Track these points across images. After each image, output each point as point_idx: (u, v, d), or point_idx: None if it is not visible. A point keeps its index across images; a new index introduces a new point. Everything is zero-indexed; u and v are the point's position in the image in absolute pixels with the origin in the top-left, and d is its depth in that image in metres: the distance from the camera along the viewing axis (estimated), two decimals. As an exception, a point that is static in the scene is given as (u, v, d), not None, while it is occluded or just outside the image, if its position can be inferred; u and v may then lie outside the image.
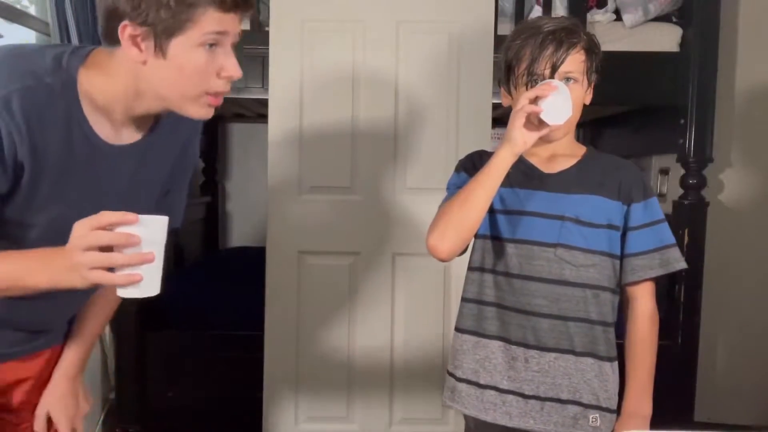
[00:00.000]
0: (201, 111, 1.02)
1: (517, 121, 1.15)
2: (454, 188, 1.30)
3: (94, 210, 1.04)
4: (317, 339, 2.19)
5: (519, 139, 1.15)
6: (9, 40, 2.09)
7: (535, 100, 1.14)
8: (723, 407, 2.55)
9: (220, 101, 1.03)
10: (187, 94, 0.99)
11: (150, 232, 0.90)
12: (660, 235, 1.26)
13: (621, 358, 1.29)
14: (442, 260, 1.25)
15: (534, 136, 1.16)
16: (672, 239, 1.27)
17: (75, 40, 2.12)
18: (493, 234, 1.28)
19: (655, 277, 1.26)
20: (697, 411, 2.33)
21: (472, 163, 1.32)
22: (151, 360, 2.36)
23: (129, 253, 0.89)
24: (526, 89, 1.19)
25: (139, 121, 1.07)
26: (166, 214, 1.26)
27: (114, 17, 0.95)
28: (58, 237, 1.03)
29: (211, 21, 0.95)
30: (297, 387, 2.20)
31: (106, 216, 0.89)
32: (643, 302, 1.28)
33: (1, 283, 0.95)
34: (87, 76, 1.00)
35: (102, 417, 2.32)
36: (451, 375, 1.34)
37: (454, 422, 2.18)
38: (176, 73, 0.97)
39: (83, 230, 0.89)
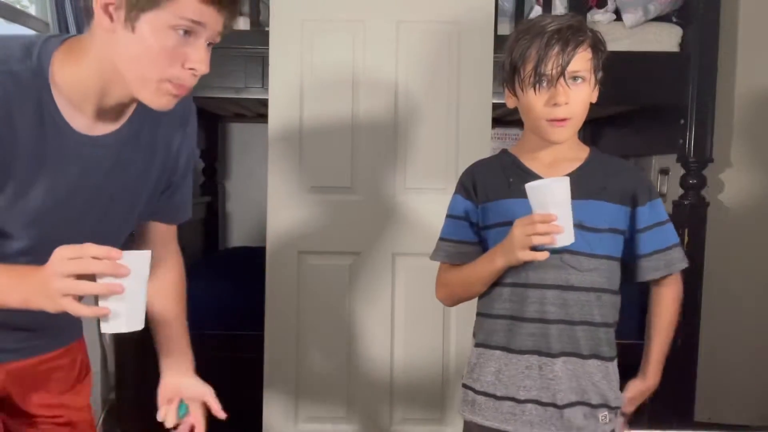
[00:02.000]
0: (159, 99, 0.97)
1: (520, 255, 1.15)
2: (451, 217, 1.34)
3: (69, 203, 1.03)
4: (317, 339, 2.19)
5: (521, 260, 1.17)
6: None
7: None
8: (723, 407, 2.55)
9: (182, 92, 0.98)
10: (146, 76, 0.95)
11: (132, 267, 0.89)
12: (665, 236, 1.28)
13: (619, 358, 1.31)
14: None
15: (536, 254, 1.16)
16: (676, 238, 1.30)
17: (75, 40, 2.12)
18: None
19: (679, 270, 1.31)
20: (697, 411, 2.33)
21: (464, 188, 1.33)
22: (151, 360, 2.33)
23: (102, 283, 0.87)
24: (534, 90, 1.19)
25: (114, 112, 1.03)
26: (170, 213, 1.24)
27: None
28: (37, 233, 1.02)
29: (189, 6, 0.92)
30: (297, 387, 2.20)
31: (92, 248, 0.87)
32: (668, 288, 1.31)
33: None
34: (60, 65, 0.97)
35: (102, 417, 2.32)
36: (469, 388, 1.34)
37: (453, 423, 2.18)
38: (140, 50, 0.93)
39: (62, 256, 0.87)
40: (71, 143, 1.00)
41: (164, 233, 1.28)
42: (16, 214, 1.00)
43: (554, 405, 1.25)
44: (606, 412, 1.27)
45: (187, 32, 0.94)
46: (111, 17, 0.93)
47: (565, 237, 1.13)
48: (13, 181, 0.97)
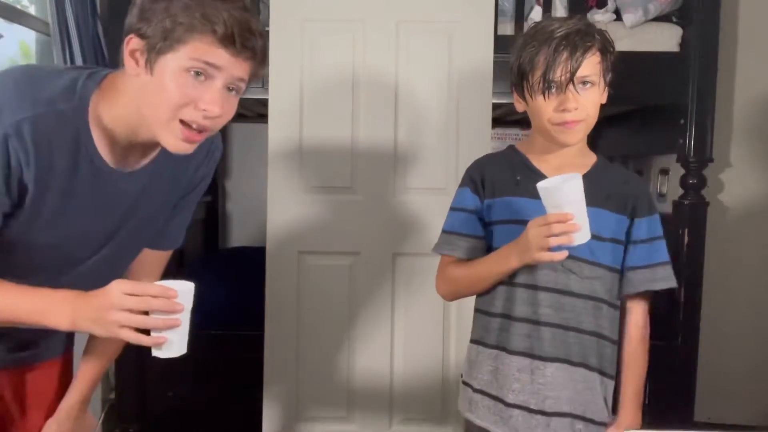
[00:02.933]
0: (174, 142, 0.99)
1: (536, 255, 1.14)
2: (456, 210, 1.31)
3: (97, 233, 1.08)
4: (317, 339, 2.19)
5: (538, 260, 1.16)
6: (9, 40, 2.09)
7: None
8: (723, 407, 2.55)
9: (196, 138, 1.00)
10: (161, 117, 0.97)
11: (181, 300, 0.96)
12: (656, 253, 1.27)
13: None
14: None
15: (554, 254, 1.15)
16: (667, 257, 1.28)
17: (75, 40, 2.12)
18: (502, 246, 1.26)
19: (647, 292, 1.28)
20: (697, 411, 2.33)
21: (472, 181, 1.31)
22: (150, 360, 2.34)
23: (160, 317, 0.95)
24: (544, 97, 1.18)
25: (144, 148, 1.07)
26: (163, 238, 1.25)
27: (127, 32, 0.97)
28: (59, 257, 1.06)
29: (202, 48, 0.94)
30: (297, 387, 2.20)
31: (151, 288, 0.94)
32: (636, 316, 1.30)
33: (19, 316, 0.98)
34: (98, 101, 1.01)
35: (102, 417, 2.32)
36: (468, 385, 1.34)
37: (453, 423, 2.18)
38: (157, 92, 0.96)
39: (121, 291, 0.93)
40: (102, 176, 1.04)
41: (153, 261, 1.27)
42: (42, 238, 1.03)
43: (542, 412, 1.24)
44: (580, 426, 1.25)
45: (201, 74, 0.96)
46: (137, 62, 0.96)
47: (582, 234, 1.11)
48: (44, 210, 1.01)
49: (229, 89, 1.00)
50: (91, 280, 1.00)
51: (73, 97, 0.98)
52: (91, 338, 1.26)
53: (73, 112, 0.98)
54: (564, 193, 1.10)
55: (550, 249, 1.13)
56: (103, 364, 1.28)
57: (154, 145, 1.07)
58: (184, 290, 0.96)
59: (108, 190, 1.06)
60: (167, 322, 0.95)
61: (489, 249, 1.30)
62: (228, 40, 0.94)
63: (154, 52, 0.94)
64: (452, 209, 1.33)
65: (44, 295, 0.98)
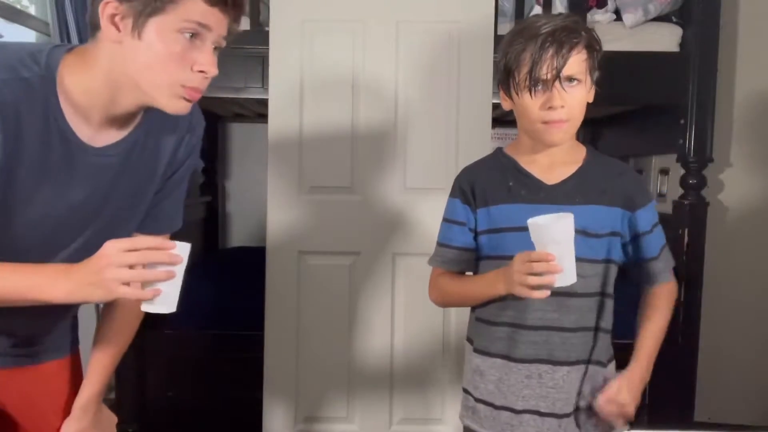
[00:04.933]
0: (175, 104, 0.99)
1: (519, 292, 1.12)
2: (448, 221, 1.31)
3: (73, 210, 1.05)
4: (317, 339, 2.19)
5: (519, 295, 1.14)
6: (9, 40, 2.09)
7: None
8: (723, 407, 2.55)
9: (196, 97, 1.00)
10: (160, 82, 0.96)
11: (178, 252, 0.96)
12: (661, 237, 1.29)
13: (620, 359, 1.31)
14: None
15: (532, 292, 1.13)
16: (664, 237, 1.32)
17: (75, 40, 2.12)
18: (502, 253, 1.24)
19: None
20: (697, 411, 2.33)
21: (463, 189, 1.30)
22: (150, 360, 2.35)
23: (161, 270, 0.94)
24: (530, 94, 1.17)
25: (120, 121, 1.04)
26: (157, 221, 1.22)
27: None
28: (39, 238, 1.03)
29: (194, 9, 0.93)
30: (297, 387, 2.20)
31: (145, 240, 0.94)
32: (669, 285, 1.31)
33: (12, 293, 0.96)
34: (67, 73, 0.98)
35: (102, 417, 2.31)
36: (469, 394, 1.34)
37: (454, 422, 2.18)
38: (150, 57, 0.94)
39: (118, 248, 0.92)
40: (76, 152, 1.01)
41: None
42: (19, 219, 1.00)
43: (554, 415, 1.24)
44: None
45: (194, 35, 0.95)
46: (118, 27, 0.94)
47: (566, 276, 1.08)
48: (18, 188, 0.98)
49: (214, 48, 0.99)
50: None
51: (37, 67, 0.95)
52: (100, 332, 1.25)
53: (40, 81, 0.95)
54: (551, 231, 1.07)
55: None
56: (114, 356, 1.26)
57: (131, 116, 1.05)
58: (180, 247, 0.96)
59: (84, 166, 1.03)
60: (168, 273, 0.94)
61: (485, 257, 1.29)
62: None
63: (142, 15, 0.92)
64: (444, 220, 1.33)
65: (36, 269, 0.96)
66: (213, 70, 0.98)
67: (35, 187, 0.99)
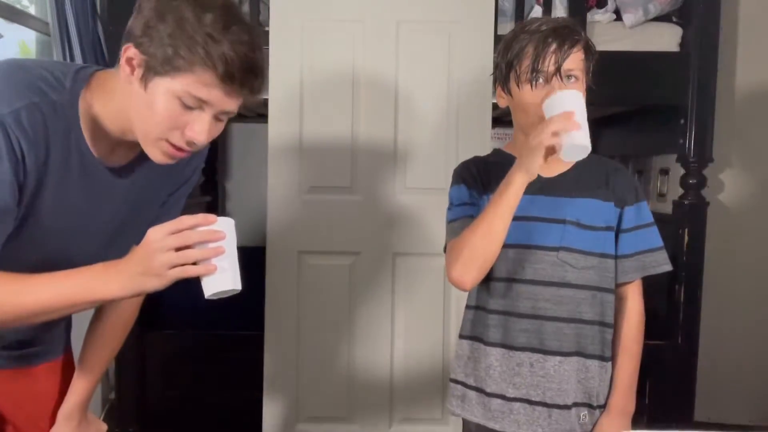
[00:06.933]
0: (157, 155, 1.01)
1: (537, 155, 1.12)
2: (458, 205, 1.30)
3: (93, 231, 1.09)
4: (317, 339, 2.19)
5: (537, 171, 1.14)
6: (9, 40, 2.09)
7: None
8: (723, 407, 2.55)
9: (180, 155, 1.01)
10: (147, 133, 0.99)
11: (221, 228, 0.95)
12: (648, 239, 1.28)
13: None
14: (465, 290, 1.28)
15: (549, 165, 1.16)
16: (659, 242, 1.30)
17: (75, 40, 2.12)
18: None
19: (642, 278, 1.30)
20: (697, 411, 2.33)
21: (470, 173, 1.31)
22: (150, 360, 2.35)
23: (207, 247, 0.94)
24: (531, 86, 1.20)
25: (133, 144, 1.06)
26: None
27: (127, 38, 0.97)
28: (58, 253, 1.05)
29: (198, 84, 0.94)
30: (297, 387, 2.20)
31: (187, 219, 0.93)
32: (633, 301, 1.31)
33: (68, 298, 0.97)
34: (88, 97, 1.02)
35: (101, 417, 2.31)
36: (459, 383, 1.34)
37: (453, 423, 2.18)
38: (146, 109, 0.97)
39: (161, 234, 0.92)
40: (92, 171, 1.04)
41: None
42: (34, 231, 1.03)
43: (544, 404, 1.25)
44: (585, 413, 1.27)
45: (190, 107, 0.96)
46: (132, 70, 0.97)
47: (582, 135, 1.11)
48: (42, 204, 1.01)
49: (218, 119, 1.00)
50: None
51: (64, 90, 0.99)
52: (87, 341, 1.25)
53: (65, 104, 0.99)
54: (565, 97, 1.13)
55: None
56: (101, 365, 1.27)
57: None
58: (223, 222, 0.96)
59: (99, 185, 1.06)
60: (216, 250, 0.94)
61: None
62: (228, 78, 0.94)
63: (151, 71, 0.95)
64: (452, 205, 1.32)
65: (82, 272, 0.97)
66: (202, 140, 0.98)
67: (56, 205, 1.02)
